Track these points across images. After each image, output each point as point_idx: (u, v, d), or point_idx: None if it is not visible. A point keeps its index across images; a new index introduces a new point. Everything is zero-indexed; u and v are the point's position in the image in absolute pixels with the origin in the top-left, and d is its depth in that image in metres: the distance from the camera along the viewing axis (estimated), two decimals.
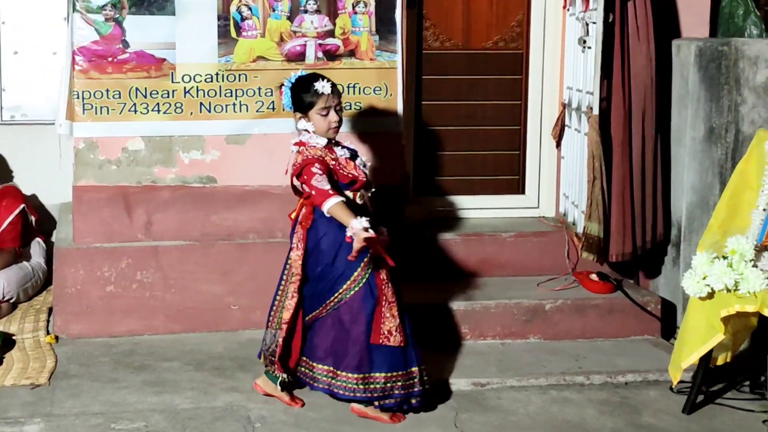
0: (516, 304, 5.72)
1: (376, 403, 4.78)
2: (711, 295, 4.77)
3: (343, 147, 4.93)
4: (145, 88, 5.70)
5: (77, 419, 4.71)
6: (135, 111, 5.71)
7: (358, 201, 4.84)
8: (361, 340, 4.75)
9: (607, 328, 5.79)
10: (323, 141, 4.83)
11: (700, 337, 4.81)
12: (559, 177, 6.37)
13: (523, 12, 6.44)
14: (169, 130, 5.77)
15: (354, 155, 4.94)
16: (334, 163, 4.81)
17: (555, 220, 6.40)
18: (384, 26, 5.91)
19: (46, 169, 6.55)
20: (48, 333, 5.69)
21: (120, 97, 5.68)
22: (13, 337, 5.59)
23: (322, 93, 4.77)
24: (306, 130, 4.83)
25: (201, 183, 5.84)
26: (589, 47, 5.69)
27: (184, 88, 5.73)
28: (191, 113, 5.76)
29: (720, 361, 5.11)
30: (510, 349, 5.63)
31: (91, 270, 5.69)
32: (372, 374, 4.75)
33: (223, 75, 5.75)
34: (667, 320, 5.87)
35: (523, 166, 6.55)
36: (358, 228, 4.58)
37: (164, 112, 5.74)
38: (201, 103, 5.77)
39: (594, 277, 5.90)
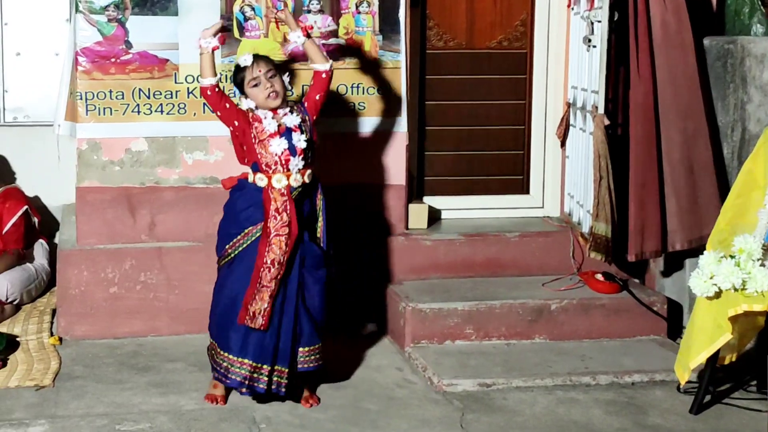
0: (521, 304, 5.70)
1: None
2: (718, 294, 4.75)
3: (288, 115, 4.82)
4: (149, 89, 5.69)
5: (82, 420, 4.70)
6: (138, 112, 5.70)
7: (293, 183, 4.77)
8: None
9: (613, 328, 5.76)
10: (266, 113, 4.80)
11: (707, 336, 4.79)
12: (563, 177, 6.35)
13: (527, 11, 6.42)
14: (173, 131, 5.77)
15: (298, 121, 4.82)
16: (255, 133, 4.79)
17: (560, 220, 6.38)
18: (387, 26, 5.90)
19: (49, 171, 6.53)
20: (52, 334, 5.68)
21: (123, 98, 5.67)
22: (17, 339, 5.58)
23: (245, 66, 4.79)
24: (251, 109, 4.83)
25: (204, 183, 5.82)
26: (594, 46, 5.67)
27: (188, 88, 5.72)
28: (194, 114, 5.75)
29: (726, 361, 5.09)
30: (515, 349, 5.61)
31: (95, 271, 5.68)
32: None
33: (226, 75, 5.73)
34: (674, 320, 5.85)
35: (527, 166, 6.53)
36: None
37: (167, 113, 5.73)
38: (204, 104, 5.74)
39: (599, 277, 5.87)
